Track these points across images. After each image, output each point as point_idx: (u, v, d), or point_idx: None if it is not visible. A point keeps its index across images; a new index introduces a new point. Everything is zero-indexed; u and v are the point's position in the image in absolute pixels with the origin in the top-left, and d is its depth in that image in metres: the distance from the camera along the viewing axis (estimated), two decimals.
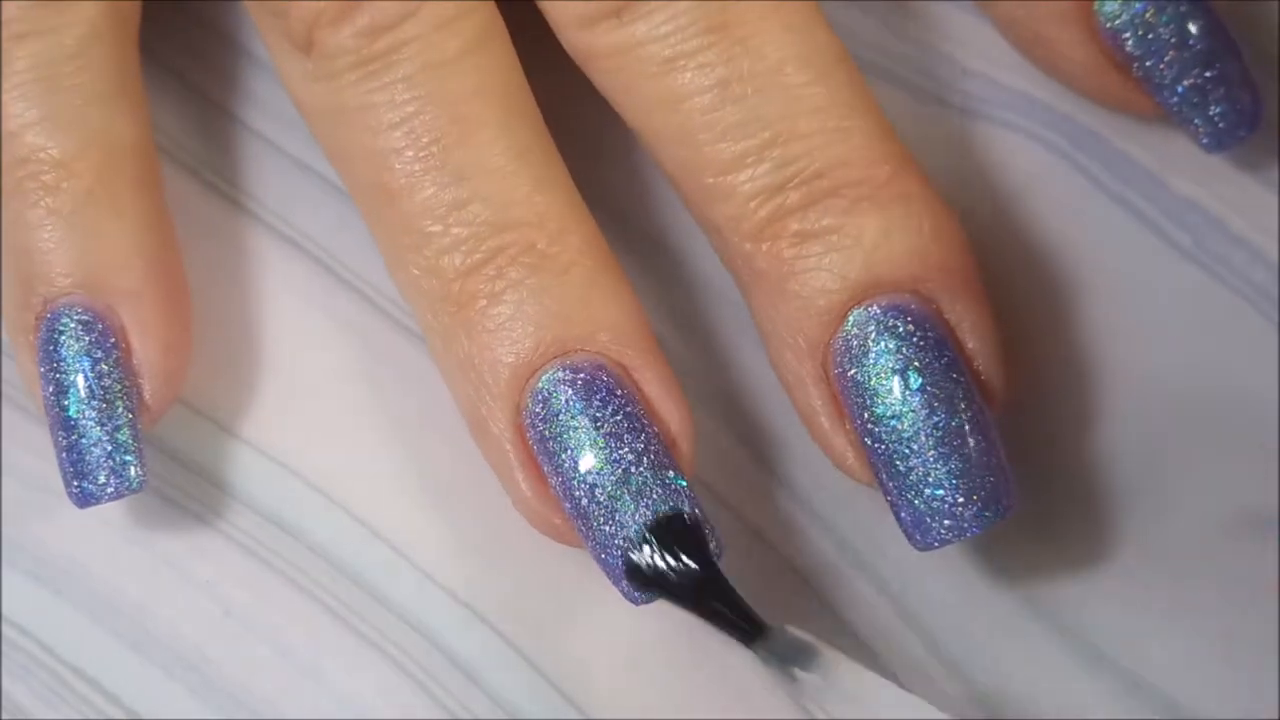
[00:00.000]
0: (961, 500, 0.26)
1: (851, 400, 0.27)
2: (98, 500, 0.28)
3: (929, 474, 0.26)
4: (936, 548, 0.27)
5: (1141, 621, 0.29)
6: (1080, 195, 0.30)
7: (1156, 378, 0.30)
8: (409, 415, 0.30)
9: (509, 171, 0.27)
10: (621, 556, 0.26)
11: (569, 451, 0.27)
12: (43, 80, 0.28)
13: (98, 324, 0.28)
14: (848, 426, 0.27)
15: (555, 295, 0.27)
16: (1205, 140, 0.29)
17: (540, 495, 0.27)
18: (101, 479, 0.28)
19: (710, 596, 0.26)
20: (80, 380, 0.28)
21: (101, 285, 0.28)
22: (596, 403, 0.27)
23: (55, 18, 0.29)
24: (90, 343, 0.28)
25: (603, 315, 0.27)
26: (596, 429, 0.27)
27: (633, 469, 0.26)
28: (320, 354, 0.31)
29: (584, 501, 0.27)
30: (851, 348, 0.27)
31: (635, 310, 0.28)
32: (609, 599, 0.28)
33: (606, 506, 0.26)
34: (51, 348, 0.28)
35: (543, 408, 0.27)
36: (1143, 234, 0.30)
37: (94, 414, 0.28)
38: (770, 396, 0.30)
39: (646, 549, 0.26)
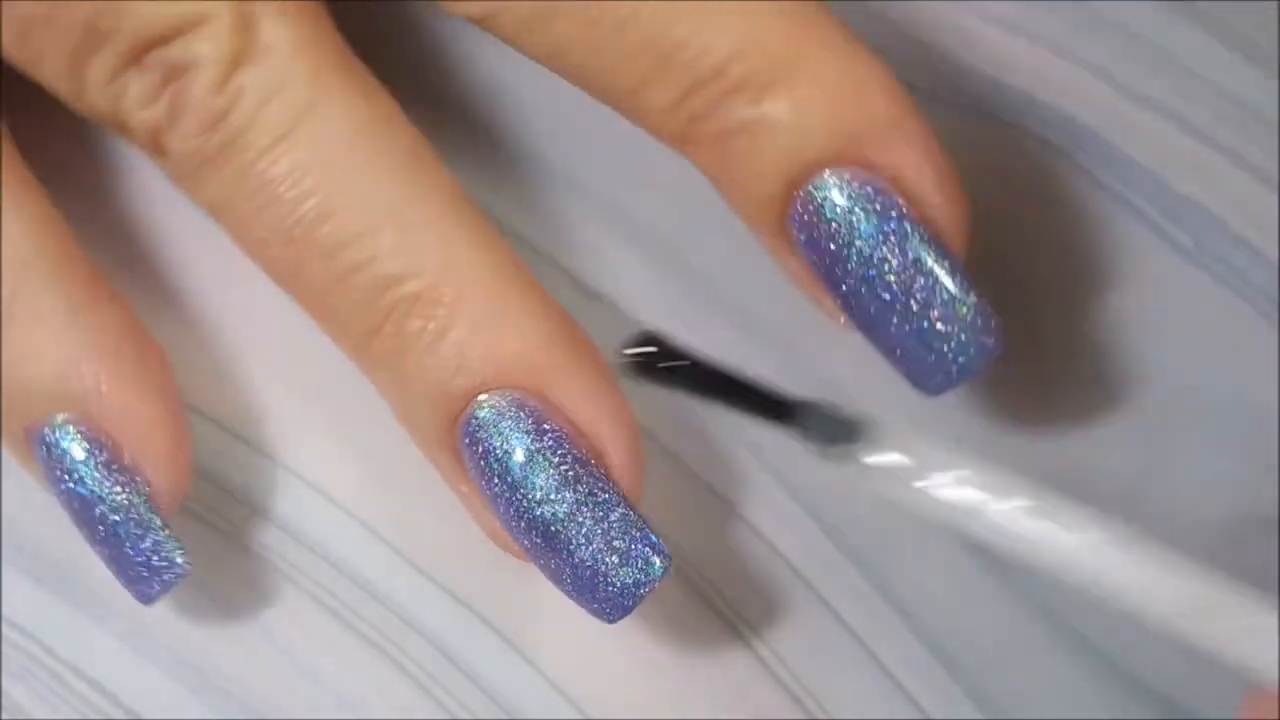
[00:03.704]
0: (936, 359, 0.27)
1: (823, 275, 0.27)
2: (158, 598, 0.28)
3: (906, 340, 0.27)
4: (937, 396, 0.27)
5: None
6: (1080, 195, 0.30)
7: (1156, 378, 0.30)
8: None
9: (373, 229, 0.27)
10: (571, 580, 0.27)
11: (501, 496, 0.27)
12: None
13: (75, 438, 0.28)
14: (830, 294, 0.27)
15: (451, 341, 0.27)
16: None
17: (490, 519, 0.28)
18: (147, 576, 0.28)
19: (722, 383, 0.25)
20: (88, 500, 0.28)
21: (57, 399, 0.28)
22: (514, 443, 0.27)
23: None
24: (77, 460, 0.28)
25: (503, 349, 0.27)
26: (519, 469, 0.27)
27: (558, 503, 0.27)
28: (320, 354, 0.31)
29: (524, 542, 0.27)
30: (803, 235, 0.27)
31: (543, 326, 0.27)
32: None
33: (543, 545, 0.27)
34: (52, 474, 0.28)
35: (469, 455, 0.27)
36: (1143, 234, 0.30)
37: (116, 526, 0.28)
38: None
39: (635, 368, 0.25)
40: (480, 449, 0.27)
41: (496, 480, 0.27)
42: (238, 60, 0.27)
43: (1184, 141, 0.30)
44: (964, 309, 0.27)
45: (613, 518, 0.27)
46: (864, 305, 0.27)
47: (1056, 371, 0.30)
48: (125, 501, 0.28)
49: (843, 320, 0.28)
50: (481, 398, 0.27)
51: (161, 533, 0.28)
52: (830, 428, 0.24)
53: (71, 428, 0.28)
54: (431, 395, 0.27)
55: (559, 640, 0.29)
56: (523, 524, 0.27)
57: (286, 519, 0.30)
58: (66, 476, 0.28)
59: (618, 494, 0.27)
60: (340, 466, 0.30)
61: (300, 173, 0.27)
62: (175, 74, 0.27)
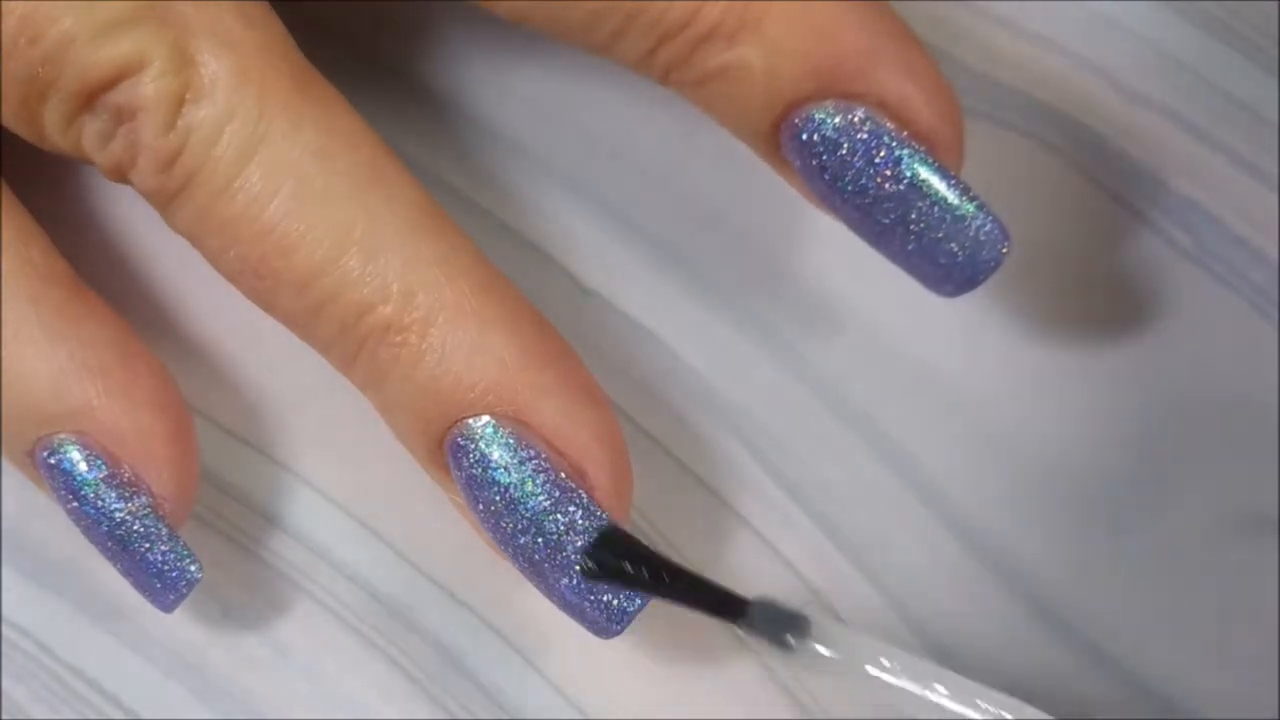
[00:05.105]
0: (946, 270, 0.27)
1: (824, 200, 0.27)
2: (176, 606, 0.28)
3: (913, 257, 0.27)
4: (953, 298, 0.27)
5: (1141, 621, 0.29)
6: (1080, 195, 0.30)
7: (1156, 378, 0.30)
8: None
9: (337, 258, 0.26)
10: (569, 598, 0.27)
11: (486, 521, 0.27)
12: None
13: (74, 457, 0.27)
14: (833, 215, 0.28)
15: (424, 369, 0.27)
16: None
17: (494, 544, 0.28)
18: (161, 587, 0.28)
19: (677, 582, 0.26)
20: (95, 517, 0.27)
21: (51, 419, 0.28)
22: (492, 471, 0.27)
23: None
24: (78, 479, 0.27)
25: (476, 375, 0.27)
26: (500, 497, 0.27)
27: (539, 532, 0.26)
28: (322, 359, 0.31)
29: (518, 560, 0.27)
30: (797, 163, 0.27)
31: (516, 344, 0.27)
32: None
33: (530, 570, 0.27)
34: (57, 493, 0.28)
35: (455, 477, 0.27)
36: (1143, 234, 0.30)
37: (125, 540, 0.27)
38: (767, 398, 0.30)
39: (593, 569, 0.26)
40: (462, 474, 0.27)
41: (481, 506, 0.27)
42: (183, 99, 0.26)
43: (1184, 141, 0.30)
44: (966, 220, 0.27)
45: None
46: (867, 228, 0.27)
47: (1055, 372, 0.30)
48: (130, 515, 0.27)
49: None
50: (460, 424, 0.27)
51: (171, 542, 0.28)
52: (779, 623, 0.26)
53: (70, 447, 0.27)
54: (412, 420, 0.27)
55: (559, 640, 0.29)
56: (509, 550, 0.27)
57: (287, 521, 0.30)
58: (70, 495, 0.27)
59: (602, 517, 0.27)
60: (340, 467, 0.30)
61: (258, 208, 0.26)
62: (126, 116, 0.27)
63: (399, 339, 0.27)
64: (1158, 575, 0.29)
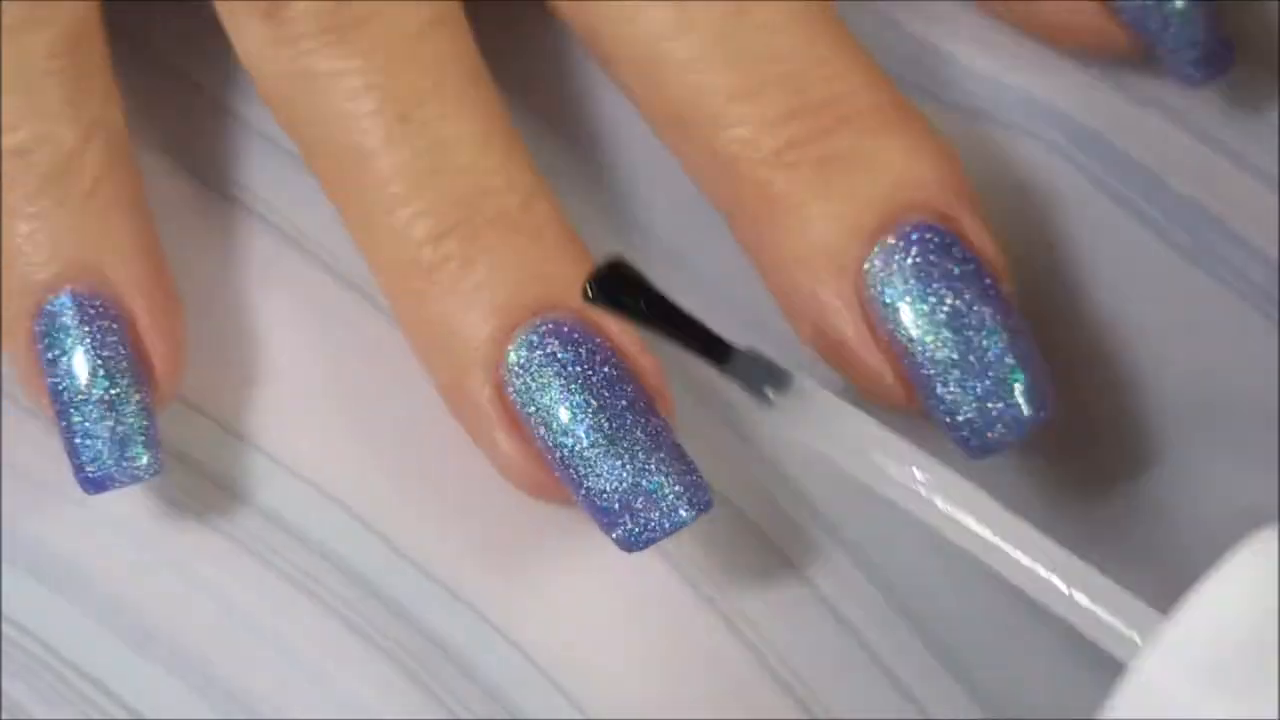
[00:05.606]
0: (997, 414, 0.27)
1: (885, 324, 0.27)
2: (108, 486, 0.28)
3: (967, 396, 0.27)
4: (995, 453, 0.27)
5: None
6: (1080, 195, 0.30)
7: (1156, 377, 0.30)
8: (407, 412, 0.30)
9: (479, 140, 0.28)
10: (606, 508, 0.27)
11: (555, 406, 0.27)
12: (34, 73, 0.28)
13: (105, 308, 0.28)
14: (883, 348, 0.28)
15: (533, 256, 0.28)
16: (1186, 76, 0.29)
17: (524, 453, 0.28)
18: (110, 461, 0.28)
19: (670, 320, 0.26)
20: (87, 361, 0.28)
21: (108, 274, 0.28)
22: (581, 356, 0.27)
23: (42, 11, 0.28)
24: (97, 326, 0.28)
25: (575, 276, 0.27)
26: (580, 383, 0.27)
27: (615, 421, 0.27)
28: (319, 352, 0.31)
29: (569, 455, 0.27)
30: (890, 270, 0.27)
31: (572, 268, 0.28)
32: (609, 597, 0.28)
33: (593, 460, 0.27)
34: (58, 332, 0.28)
35: (525, 364, 0.27)
36: (1143, 234, 0.30)
37: (103, 396, 0.28)
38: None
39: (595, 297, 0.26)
40: (545, 359, 0.27)
41: (557, 392, 0.27)
42: None
43: (1184, 141, 0.30)
44: (1022, 366, 0.27)
45: (663, 452, 0.27)
46: (927, 363, 0.27)
47: (1055, 373, 0.30)
48: (123, 382, 0.28)
49: (889, 379, 0.28)
50: (551, 313, 0.27)
51: (143, 424, 0.28)
52: (762, 374, 0.25)
53: (101, 299, 0.28)
54: (497, 303, 0.28)
55: (559, 639, 0.29)
56: (572, 441, 0.27)
57: (287, 517, 0.30)
58: (76, 337, 0.28)
59: (663, 423, 0.27)
60: (341, 466, 0.30)
61: (422, 67, 0.28)
62: None
63: (513, 225, 0.28)
64: (1158, 575, 0.29)
